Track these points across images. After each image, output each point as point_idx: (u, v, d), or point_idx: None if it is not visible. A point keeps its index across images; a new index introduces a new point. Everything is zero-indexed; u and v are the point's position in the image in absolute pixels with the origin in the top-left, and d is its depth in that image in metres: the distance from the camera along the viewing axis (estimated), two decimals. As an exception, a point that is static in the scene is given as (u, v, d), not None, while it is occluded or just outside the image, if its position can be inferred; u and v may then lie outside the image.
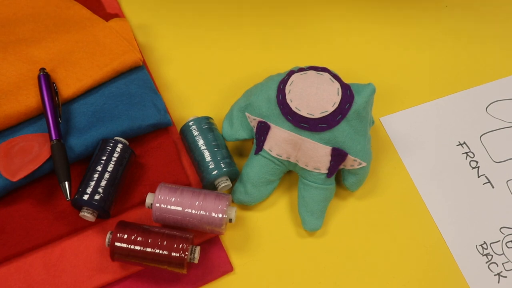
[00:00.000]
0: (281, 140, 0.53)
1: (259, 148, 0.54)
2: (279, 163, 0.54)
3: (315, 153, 0.52)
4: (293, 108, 0.52)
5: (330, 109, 0.52)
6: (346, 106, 0.52)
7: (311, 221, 0.54)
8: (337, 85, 0.53)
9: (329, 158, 0.53)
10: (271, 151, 0.54)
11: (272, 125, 0.54)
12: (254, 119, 0.55)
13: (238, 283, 0.53)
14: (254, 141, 0.55)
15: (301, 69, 0.55)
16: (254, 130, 0.55)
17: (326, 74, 0.54)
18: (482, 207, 0.59)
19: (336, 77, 0.54)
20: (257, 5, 0.69)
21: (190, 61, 0.65)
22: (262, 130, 0.54)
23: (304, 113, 0.52)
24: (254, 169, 0.55)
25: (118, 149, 0.53)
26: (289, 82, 0.53)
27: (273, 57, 0.66)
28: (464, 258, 0.56)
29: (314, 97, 0.52)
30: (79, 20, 0.61)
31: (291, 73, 0.55)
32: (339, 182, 0.58)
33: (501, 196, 0.59)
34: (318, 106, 0.52)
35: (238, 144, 0.60)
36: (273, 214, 0.57)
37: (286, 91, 0.53)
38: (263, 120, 0.54)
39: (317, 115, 0.52)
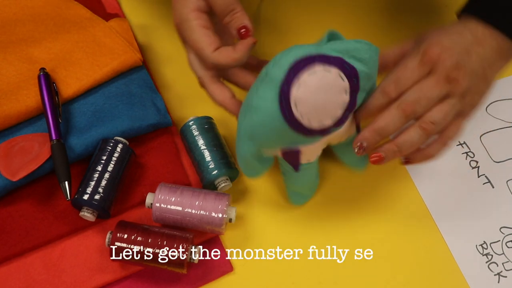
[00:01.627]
0: (314, 149, 0.50)
1: (297, 168, 0.50)
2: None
3: (344, 129, 0.50)
4: (306, 126, 0.45)
5: (341, 112, 0.46)
6: (355, 93, 0.46)
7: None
8: (346, 84, 0.45)
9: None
10: (309, 160, 0.51)
11: (299, 147, 0.49)
12: (275, 151, 0.50)
13: (238, 283, 0.53)
14: (282, 160, 0.51)
15: (304, 62, 0.44)
16: (280, 155, 0.50)
17: (335, 71, 0.45)
18: (482, 207, 0.59)
19: (346, 71, 0.45)
20: (255, 5, 0.69)
21: (190, 61, 0.65)
22: (291, 156, 0.49)
23: (317, 126, 0.45)
24: (299, 179, 0.53)
25: (118, 149, 0.53)
26: (293, 93, 0.44)
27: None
28: (464, 258, 0.56)
29: (322, 108, 0.45)
30: (79, 20, 0.61)
31: (291, 77, 0.44)
32: (339, 183, 0.58)
33: (501, 196, 0.59)
34: (329, 115, 0.45)
35: (238, 144, 0.60)
36: (273, 214, 0.57)
37: (292, 106, 0.44)
38: (288, 149, 0.48)
39: (331, 122, 0.46)
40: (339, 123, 0.46)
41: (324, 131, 0.46)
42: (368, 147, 0.48)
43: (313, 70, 0.44)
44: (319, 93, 0.44)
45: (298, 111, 0.44)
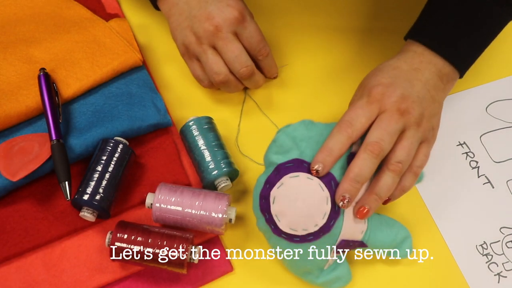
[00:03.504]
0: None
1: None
2: None
3: None
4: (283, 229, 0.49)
5: (321, 222, 0.48)
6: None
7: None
8: (326, 194, 0.48)
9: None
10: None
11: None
12: None
13: (238, 283, 0.53)
14: None
15: (288, 167, 0.49)
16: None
17: (316, 180, 0.48)
18: (482, 207, 0.59)
19: (327, 182, 0.48)
20: (256, 6, 0.69)
21: (190, 61, 0.65)
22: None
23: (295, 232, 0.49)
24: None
25: (118, 149, 0.53)
26: (273, 193, 0.49)
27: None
28: (464, 258, 0.56)
29: (300, 213, 0.48)
30: (79, 20, 0.61)
31: (278, 175, 0.49)
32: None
33: (501, 196, 0.59)
34: (305, 223, 0.49)
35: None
36: (273, 214, 0.57)
37: (271, 201, 0.49)
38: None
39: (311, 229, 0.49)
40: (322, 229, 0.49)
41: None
42: (351, 198, 0.48)
43: (297, 176, 0.49)
44: (296, 200, 0.48)
45: (274, 212, 0.49)
